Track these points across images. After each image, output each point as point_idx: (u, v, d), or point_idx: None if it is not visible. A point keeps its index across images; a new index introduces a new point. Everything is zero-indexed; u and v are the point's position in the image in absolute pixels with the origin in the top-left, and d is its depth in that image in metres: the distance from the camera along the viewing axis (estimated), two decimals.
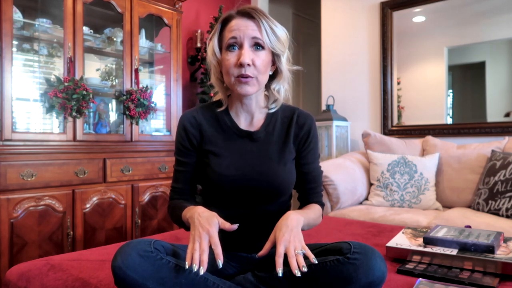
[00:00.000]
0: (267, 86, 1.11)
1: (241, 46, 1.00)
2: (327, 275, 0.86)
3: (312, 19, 4.49)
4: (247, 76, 0.99)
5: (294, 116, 1.12)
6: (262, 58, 1.01)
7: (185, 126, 1.09)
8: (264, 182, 1.04)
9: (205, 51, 2.56)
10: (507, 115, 2.63)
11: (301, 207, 1.16)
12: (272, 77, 1.10)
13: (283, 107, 1.14)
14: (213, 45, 1.06)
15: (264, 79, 1.04)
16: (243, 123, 1.11)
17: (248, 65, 0.98)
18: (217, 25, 1.07)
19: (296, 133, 1.11)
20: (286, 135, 1.11)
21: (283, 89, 1.11)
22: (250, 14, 1.01)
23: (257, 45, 1.01)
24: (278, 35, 1.03)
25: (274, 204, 1.09)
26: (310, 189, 1.15)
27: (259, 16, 1.01)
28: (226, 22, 1.05)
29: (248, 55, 0.99)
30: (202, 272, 0.80)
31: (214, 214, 0.92)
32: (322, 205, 1.16)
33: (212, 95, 3.11)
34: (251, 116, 1.10)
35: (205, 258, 0.82)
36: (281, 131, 1.11)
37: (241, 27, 1.00)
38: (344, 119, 3.17)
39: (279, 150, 1.09)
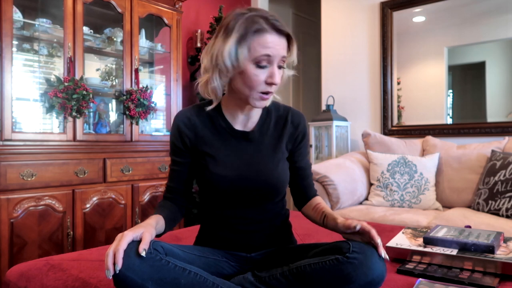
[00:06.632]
0: None
1: (270, 64, 0.98)
2: (326, 274, 0.86)
3: (312, 19, 4.49)
4: (270, 93, 1.01)
5: (288, 116, 1.14)
6: (282, 76, 1.03)
7: (179, 126, 1.09)
8: (260, 181, 1.05)
9: None
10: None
11: (298, 201, 1.20)
12: None
13: (276, 106, 1.16)
14: (229, 50, 0.97)
15: None
16: (238, 124, 1.11)
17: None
18: (240, 29, 0.96)
19: (291, 133, 1.14)
20: (280, 134, 1.12)
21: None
22: (283, 32, 0.99)
23: (281, 63, 1.01)
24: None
25: (271, 203, 1.11)
26: (308, 183, 1.19)
27: (290, 35, 1.01)
28: (256, 32, 0.96)
29: (279, 75, 1.00)
30: (110, 273, 0.79)
31: (147, 228, 0.87)
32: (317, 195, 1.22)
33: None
34: (247, 117, 1.11)
35: (109, 260, 0.79)
36: (275, 130, 1.13)
37: (277, 46, 0.97)
38: (344, 119, 3.17)
39: (274, 149, 1.11)
